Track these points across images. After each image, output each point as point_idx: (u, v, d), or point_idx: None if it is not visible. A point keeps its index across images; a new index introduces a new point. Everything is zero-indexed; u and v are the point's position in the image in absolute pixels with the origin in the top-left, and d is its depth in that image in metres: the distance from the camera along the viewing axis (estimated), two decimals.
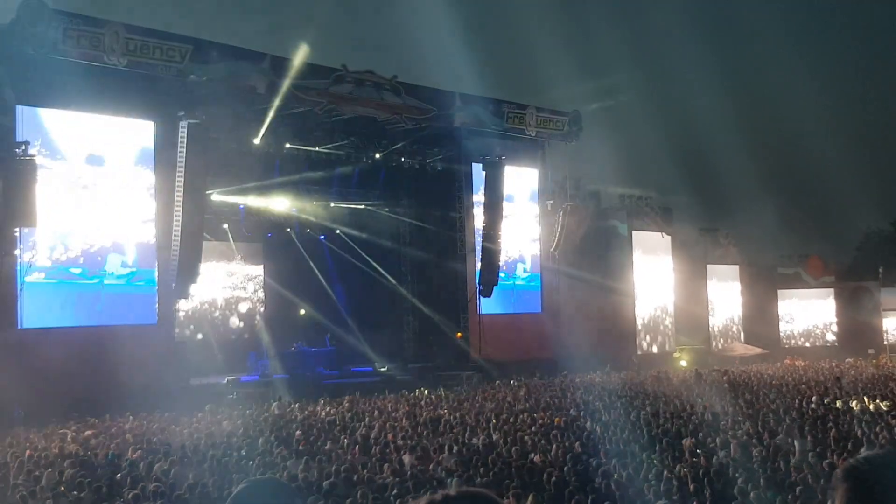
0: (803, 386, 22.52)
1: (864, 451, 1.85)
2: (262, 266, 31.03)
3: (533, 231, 32.19)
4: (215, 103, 22.20)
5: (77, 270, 21.19)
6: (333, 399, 20.94)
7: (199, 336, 28.74)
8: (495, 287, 29.46)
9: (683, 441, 12.89)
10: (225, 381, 23.99)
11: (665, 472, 10.06)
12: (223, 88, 22.16)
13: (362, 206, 30.53)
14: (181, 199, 21.93)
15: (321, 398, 21.04)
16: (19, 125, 20.05)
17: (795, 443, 12.01)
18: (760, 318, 42.65)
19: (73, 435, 15.34)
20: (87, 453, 12.89)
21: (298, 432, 14.89)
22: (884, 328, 42.09)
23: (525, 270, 31.95)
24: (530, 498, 8.75)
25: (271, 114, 23.38)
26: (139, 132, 22.38)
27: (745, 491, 8.75)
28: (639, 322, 35.74)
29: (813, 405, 17.78)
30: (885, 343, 40.90)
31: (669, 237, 37.58)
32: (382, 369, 27.94)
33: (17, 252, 20.04)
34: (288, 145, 25.59)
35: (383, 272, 31.41)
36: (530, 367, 27.76)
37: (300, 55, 23.34)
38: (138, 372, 19.72)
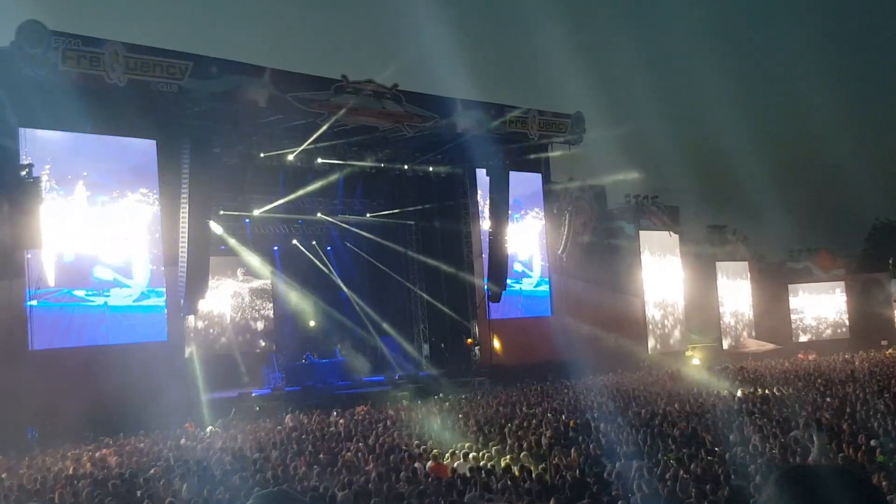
0: (819, 381, 22.35)
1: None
2: (269, 280, 31.04)
3: (539, 235, 32.11)
4: (217, 119, 22.27)
5: (81, 293, 21.21)
6: (346, 409, 20.91)
7: (209, 351, 28.73)
8: (504, 292, 29.39)
9: (699, 439, 12.80)
10: (237, 394, 23.99)
11: (681, 471, 9.98)
12: (224, 103, 22.22)
13: (367, 216, 30.53)
14: (186, 215, 21.97)
15: (334, 409, 21.04)
16: (22, 147, 20.10)
17: (814, 436, 11.89)
18: (771, 314, 42.39)
19: (89, 454, 15.34)
20: (103, 472, 12.87)
21: (311, 444, 14.86)
22: None
23: (533, 275, 31.87)
24: (552, 501, 8.68)
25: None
26: (142, 151, 22.43)
27: (762, 488, 8.63)
28: (649, 322, 35.60)
29: (828, 399, 17.64)
30: None
31: (677, 236, 37.43)
32: (394, 378, 27.88)
33: (25, 274, 20.08)
34: (290, 157, 25.62)
35: (390, 281, 31.39)
36: (542, 371, 27.63)
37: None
38: (150, 389, 19.72)
